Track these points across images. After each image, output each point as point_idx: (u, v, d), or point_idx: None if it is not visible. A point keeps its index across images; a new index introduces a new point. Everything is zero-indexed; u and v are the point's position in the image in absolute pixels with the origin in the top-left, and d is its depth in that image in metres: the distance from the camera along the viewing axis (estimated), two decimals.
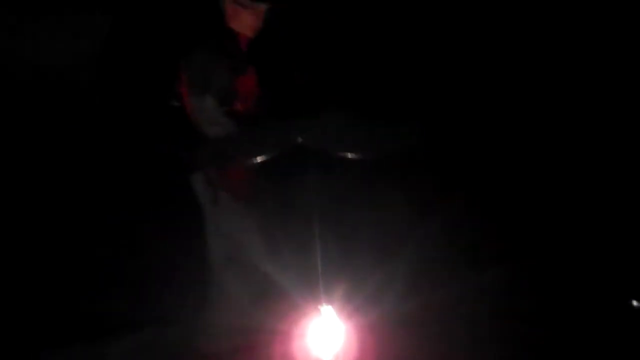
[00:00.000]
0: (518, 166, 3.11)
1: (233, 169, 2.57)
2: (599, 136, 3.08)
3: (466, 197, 2.68)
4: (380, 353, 2.45)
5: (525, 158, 3.10)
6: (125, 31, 3.39)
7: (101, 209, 3.05)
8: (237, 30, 2.65)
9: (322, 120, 2.61)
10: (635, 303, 2.64)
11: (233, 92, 2.58)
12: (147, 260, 2.88)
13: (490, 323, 2.63)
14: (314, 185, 2.54)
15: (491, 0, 3.20)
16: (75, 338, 2.72)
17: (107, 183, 3.09)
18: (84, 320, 2.76)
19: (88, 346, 2.69)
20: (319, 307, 2.48)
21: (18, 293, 2.90)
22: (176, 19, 3.12)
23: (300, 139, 2.50)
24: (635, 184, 2.88)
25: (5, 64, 3.37)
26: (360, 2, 2.94)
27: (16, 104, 3.37)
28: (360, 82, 2.77)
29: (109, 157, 3.12)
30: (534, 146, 3.12)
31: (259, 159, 2.52)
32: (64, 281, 2.93)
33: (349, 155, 2.51)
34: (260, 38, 2.67)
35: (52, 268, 2.97)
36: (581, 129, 3.13)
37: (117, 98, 3.18)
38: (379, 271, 2.59)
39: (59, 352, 2.66)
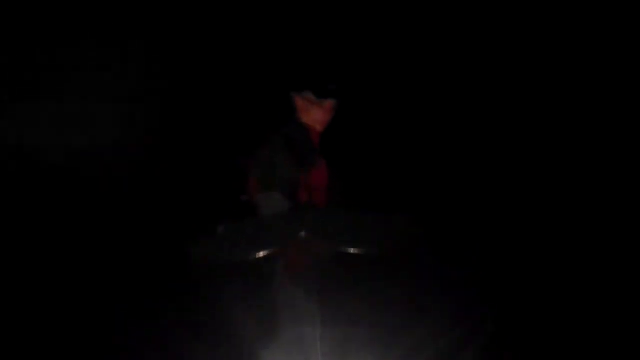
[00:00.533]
0: (517, 259, 3.11)
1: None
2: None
3: (465, 292, 2.67)
4: None
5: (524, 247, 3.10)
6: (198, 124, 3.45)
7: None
8: (308, 124, 2.68)
9: (324, 215, 2.60)
10: None
11: (300, 186, 2.60)
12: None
13: None
14: (316, 279, 2.54)
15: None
16: None
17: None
18: None
19: None
20: None
21: None
22: (248, 114, 3.16)
23: (303, 233, 2.49)
24: None
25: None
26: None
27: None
28: (362, 177, 2.76)
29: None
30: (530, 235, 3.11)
31: (262, 253, 2.51)
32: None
33: (351, 250, 2.50)
34: (330, 131, 2.71)
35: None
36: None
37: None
38: None
39: None
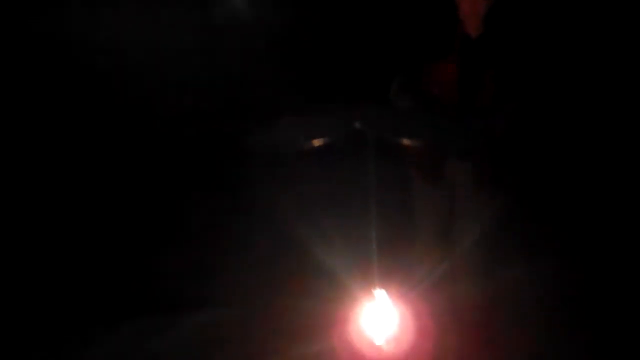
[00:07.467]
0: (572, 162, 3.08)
1: None
2: None
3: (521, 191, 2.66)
4: (435, 338, 2.49)
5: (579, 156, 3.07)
6: None
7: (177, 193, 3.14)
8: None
9: (383, 108, 2.58)
10: None
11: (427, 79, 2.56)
12: (214, 244, 2.97)
13: (539, 311, 2.68)
14: (371, 170, 2.54)
15: None
16: (143, 312, 2.87)
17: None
18: (155, 297, 2.90)
19: (155, 320, 2.85)
20: (373, 291, 2.51)
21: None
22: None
23: (358, 125, 2.47)
24: None
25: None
26: None
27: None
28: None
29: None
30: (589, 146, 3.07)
31: (316, 143, 2.51)
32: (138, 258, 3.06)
33: (406, 142, 2.48)
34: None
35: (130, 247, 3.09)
36: None
37: None
38: (434, 257, 2.61)
39: (130, 323, 2.83)
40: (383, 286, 2.52)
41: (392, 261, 2.57)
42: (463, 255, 2.63)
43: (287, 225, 2.73)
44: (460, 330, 2.62)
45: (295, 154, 2.51)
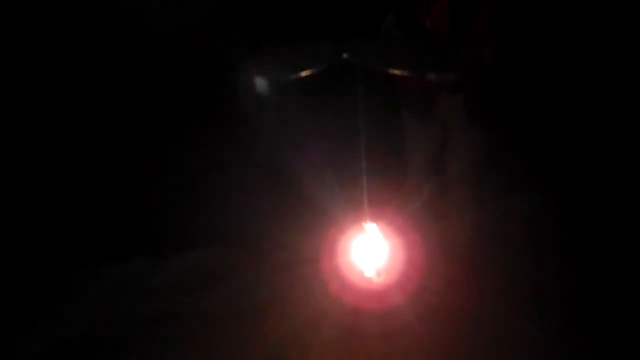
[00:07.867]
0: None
1: None
2: None
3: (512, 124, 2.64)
4: (424, 270, 2.51)
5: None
6: None
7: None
8: None
9: (372, 40, 2.53)
10: None
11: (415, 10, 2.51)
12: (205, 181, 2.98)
13: (528, 244, 2.68)
14: (360, 102, 2.51)
15: None
16: (135, 252, 2.90)
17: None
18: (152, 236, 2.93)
19: (148, 260, 2.88)
20: (364, 224, 2.51)
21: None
22: None
23: (345, 56, 2.43)
24: None
25: None
26: None
27: None
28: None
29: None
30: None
31: (304, 73, 2.47)
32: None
33: (394, 72, 2.44)
34: None
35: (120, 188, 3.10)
36: None
37: None
38: (425, 190, 2.60)
39: (116, 265, 2.85)
40: (373, 219, 2.52)
41: (382, 194, 2.57)
42: (453, 188, 2.62)
43: (277, 159, 2.72)
44: (449, 263, 2.63)
45: (284, 85, 2.49)
